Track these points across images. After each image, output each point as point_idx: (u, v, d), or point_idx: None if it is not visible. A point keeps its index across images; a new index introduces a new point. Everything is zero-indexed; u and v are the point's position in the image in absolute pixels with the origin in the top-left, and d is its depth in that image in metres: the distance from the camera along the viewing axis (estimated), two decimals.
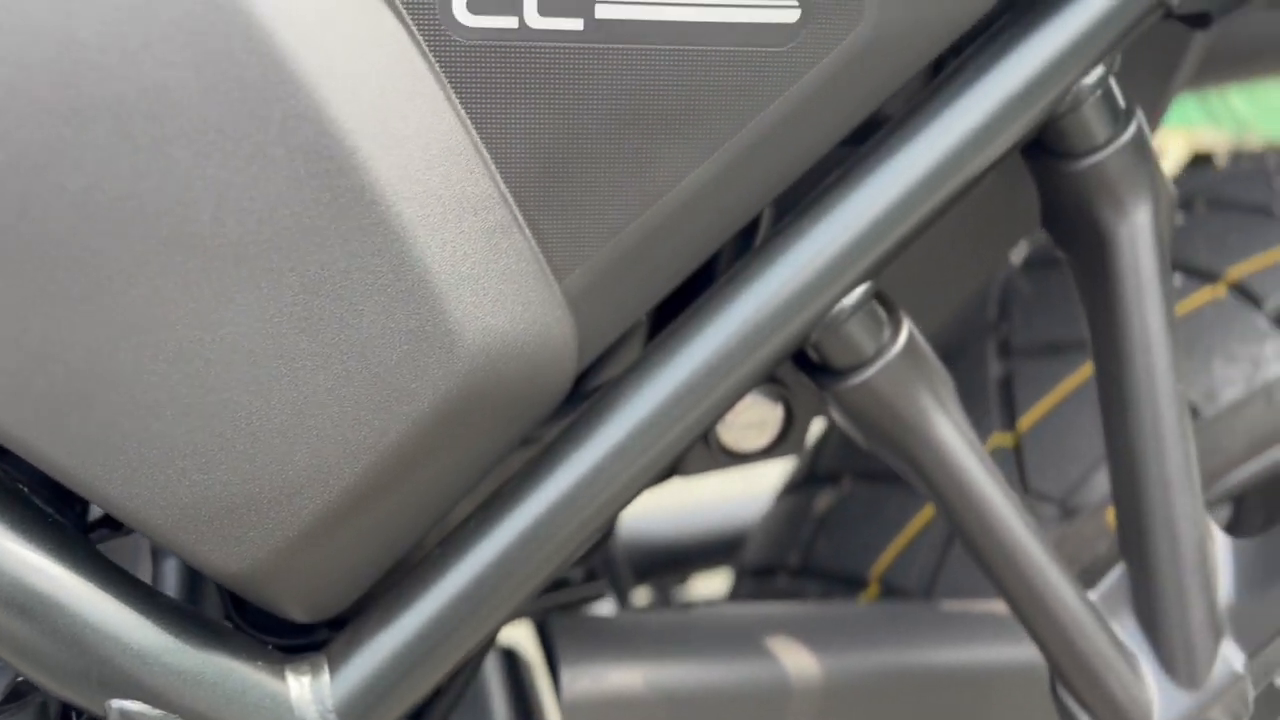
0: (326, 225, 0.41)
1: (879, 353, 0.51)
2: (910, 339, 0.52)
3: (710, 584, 1.11)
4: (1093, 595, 0.57)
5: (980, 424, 0.79)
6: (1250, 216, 0.79)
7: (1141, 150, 0.52)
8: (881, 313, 0.52)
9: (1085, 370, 0.77)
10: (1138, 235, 0.53)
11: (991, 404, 0.79)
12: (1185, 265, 0.78)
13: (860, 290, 0.50)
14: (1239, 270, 0.77)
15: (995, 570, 0.54)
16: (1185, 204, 0.82)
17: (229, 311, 0.41)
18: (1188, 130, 1.54)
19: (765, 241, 0.50)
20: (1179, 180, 0.84)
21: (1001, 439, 0.78)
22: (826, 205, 0.49)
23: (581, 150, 0.45)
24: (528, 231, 0.46)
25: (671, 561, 1.04)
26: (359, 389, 0.43)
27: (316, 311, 0.42)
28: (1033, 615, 0.55)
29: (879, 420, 0.52)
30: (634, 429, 0.49)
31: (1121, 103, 0.52)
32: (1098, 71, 0.49)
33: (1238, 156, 0.86)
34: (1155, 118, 0.60)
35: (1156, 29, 0.51)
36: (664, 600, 1.05)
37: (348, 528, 0.44)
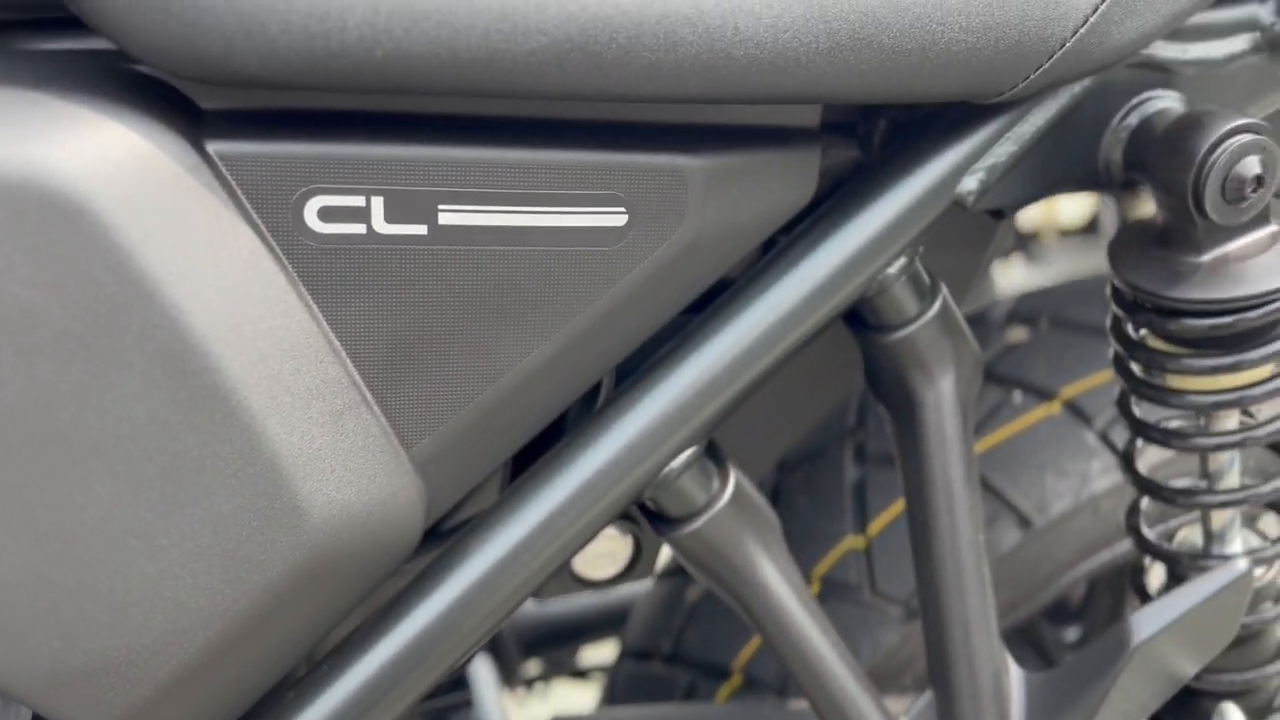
0: (180, 420, 0.45)
1: (708, 504, 0.56)
2: (737, 490, 0.57)
3: (601, 652, 1.16)
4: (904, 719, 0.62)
5: (835, 526, 0.85)
6: (1087, 336, 0.85)
7: (947, 323, 0.58)
8: (711, 466, 0.57)
9: None
10: (942, 400, 0.59)
11: (846, 507, 0.85)
12: (1025, 383, 0.84)
13: (690, 450, 0.55)
14: (1073, 389, 0.83)
15: (813, 700, 0.60)
16: (1030, 320, 0.88)
17: (90, 498, 0.45)
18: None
19: (603, 407, 0.55)
20: (1028, 297, 0.91)
21: (854, 541, 0.83)
22: (656, 376, 0.54)
23: (427, 337, 0.50)
24: (377, 409, 0.50)
25: (559, 635, 1.08)
26: (211, 562, 0.47)
27: (171, 495, 0.46)
28: None
29: (709, 564, 0.57)
30: (489, 570, 0.54)
31: (927, 281, 0.57)
32: (900, 261, 0.55)
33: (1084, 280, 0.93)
34: (970, 286, 0.66)
35: (963, 215, 0.57)
36: (553, 673, 1.09)
37: (204, 683, 0.49)
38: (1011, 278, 1.61)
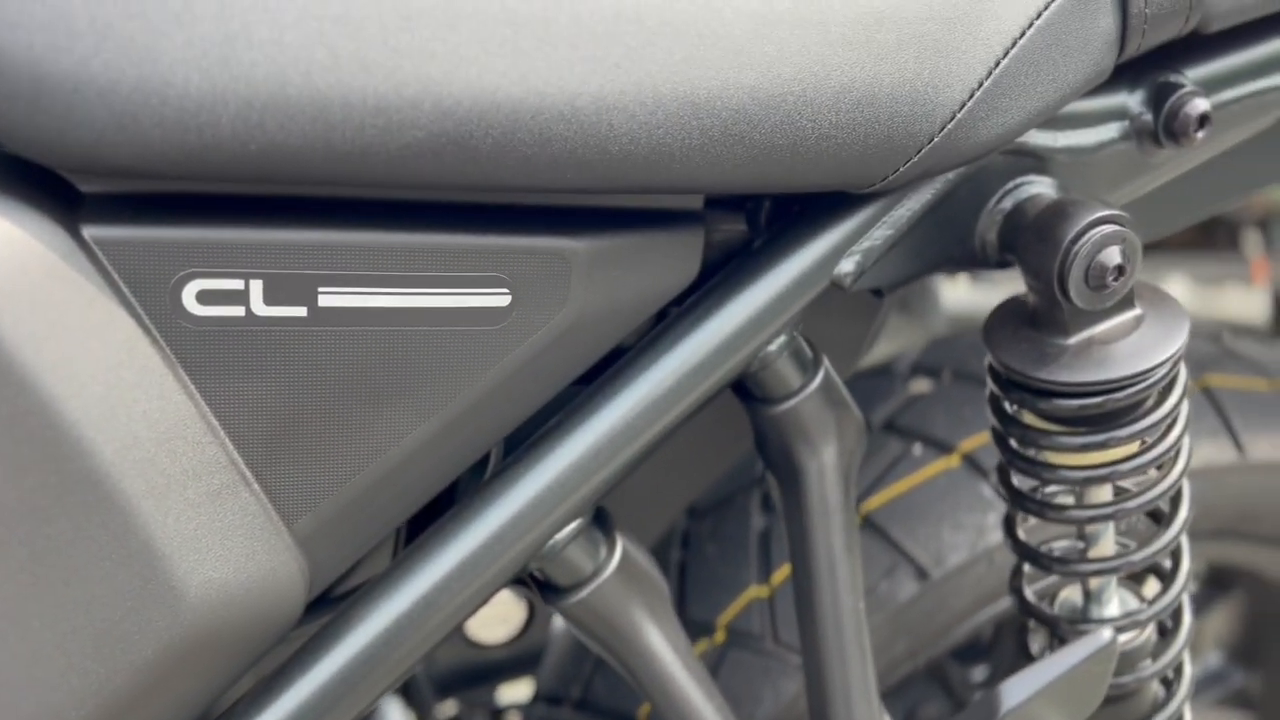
0: (53, 503, 0.45)
1: (594, 574, 0.57)
2: (624, 559, 0.58)
3: (518, 690, 1.16)
4: None
5: (740, 574, 0.86)
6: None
7: (829, 395, 0.59)
8: (599, 535, 0.58)
9: None
10: (825, 470, 0.60)
11: (751, 556, 0.86)
12: (925, 435, 0.86)
13: (577, 521, 0.56)
14: (971, 443, 0.85)
15: None
16: (934, 373, 0.90)
17: None
18: None
19: (489, 480, 0.56)
20: (933, 349, 0.93)
21: (758, 590, 0.85)
22: (542, 450, 0.55)
23: (308, 416, 0.50)
24: (256, 487, 0.50)
25: (475, 675, 1.08)
26: (84, 642, 0.47)
27: (43, 577, 0.46)
28: None
29: (595, 631, 0.58)
30: (376, 638, 0.54)
31: (809, 355, 0.59)
32: (781, 339, 0.56)
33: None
34: (856, 357, 0.68)
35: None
36: (469, 714, 1.09)
37: None
38: (958, 295, 1.64)
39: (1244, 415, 0.89)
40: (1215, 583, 1.11)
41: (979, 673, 1.03)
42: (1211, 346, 0.94)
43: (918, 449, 0.85)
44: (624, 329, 0.55)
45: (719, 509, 0.88)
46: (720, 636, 0.84)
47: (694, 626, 0.84)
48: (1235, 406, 0.89)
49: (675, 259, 0.54)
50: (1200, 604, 1.13)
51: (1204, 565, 1.10)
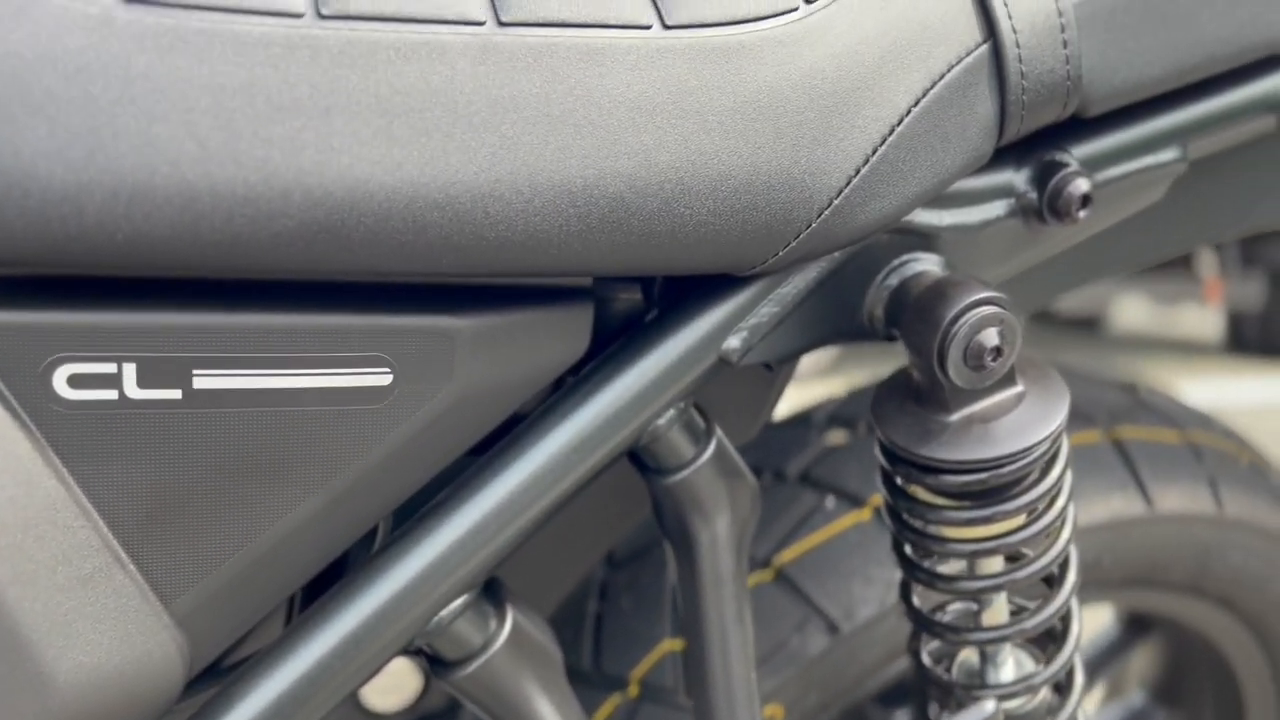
0: None
1: (484, 647, 0.57)
2: (515, 630, 0.58)
3: None
4: None
5: (655, 628, 0.86)
6: None
7: (721, 465, 0.60)
8: (488, 607, 0.58)
9: (757, 576, 0.85)
10: (717, 540, 0.60)
11: (665, 609, 0.86)
12: (837, 488, 0.87)
13: (464, 596, 0.56)
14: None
15: None
16: (849, 424, 0.91)
17: None
18: None
19: (375, 554, 0.55)
20: (851, 400, 0.94)
21: (671, 644, 0.85)
22: (429, 525, 0.55)
23: (185, 497, 0.50)
24: (132, 568, 0.50)
25: None
26: None
27: None
28: None
29: (486, 704, 0.58)
30: (262, 711, 0.54)
31: (702, 426, 0.59)
32: (670, 413, 0.57)
33: None
34: (754, 427, 0.68)
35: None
36: None
37: None
38: None
39: (1153, 467, 0.91)
40: (1136, 625, 1.13)
41: (901, 716, 1.04)
42: (1123, 398, 0.96)
43: (830, 502, 0.86)
44: (513, 403, 0.55)
45: (636, 560, 0.88)
46: (634, 690, 0.84)
47: (608, 680, 0.84)
48: (1145, 458, 0.91)
49: (564, 333, 0.55)
50: (1122, 645, 1.14)
51: (1122, 611, 1.12)
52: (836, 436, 0.91)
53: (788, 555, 0.85)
